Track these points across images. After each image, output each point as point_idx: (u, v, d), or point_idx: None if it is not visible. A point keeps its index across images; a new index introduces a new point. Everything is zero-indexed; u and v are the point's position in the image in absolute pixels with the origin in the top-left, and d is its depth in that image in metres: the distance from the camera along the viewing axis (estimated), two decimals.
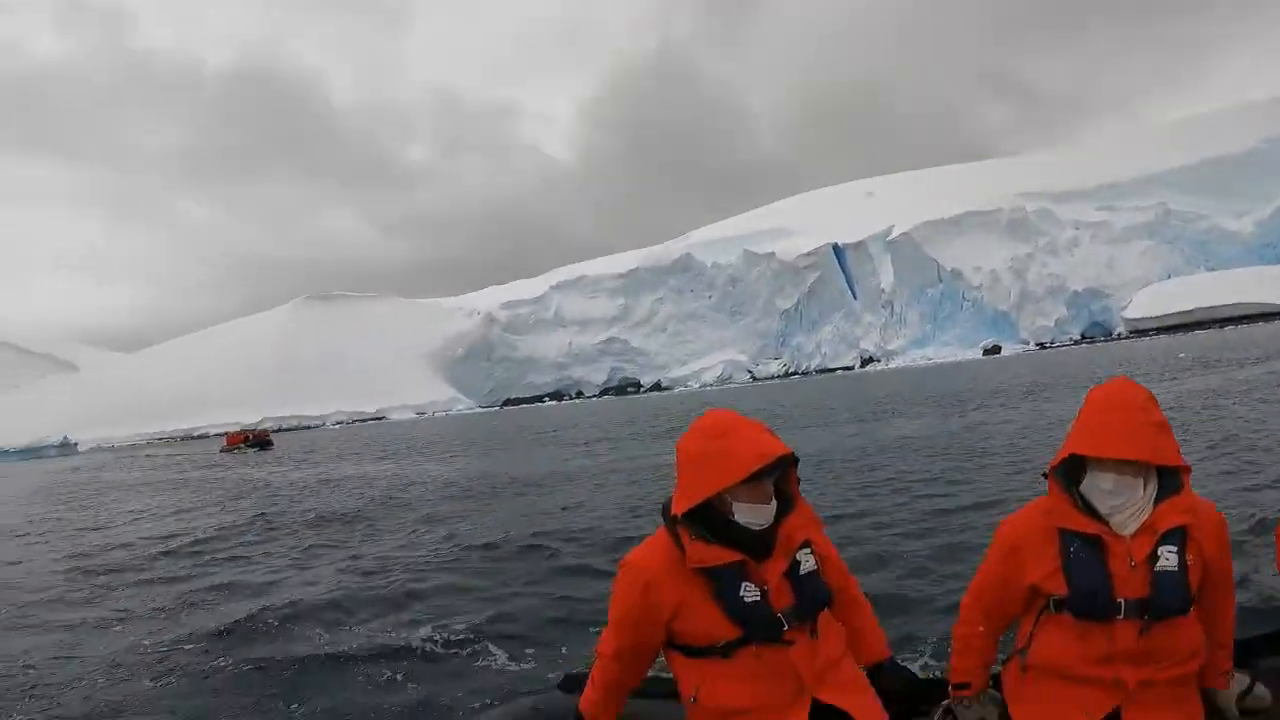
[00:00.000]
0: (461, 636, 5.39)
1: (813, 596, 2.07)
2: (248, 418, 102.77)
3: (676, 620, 2.05)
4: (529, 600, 6.30)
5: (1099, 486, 2.06)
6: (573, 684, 2.73)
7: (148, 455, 56.48)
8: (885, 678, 2.21)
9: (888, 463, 12.62)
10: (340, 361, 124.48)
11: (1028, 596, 2.13)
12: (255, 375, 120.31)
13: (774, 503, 2.09)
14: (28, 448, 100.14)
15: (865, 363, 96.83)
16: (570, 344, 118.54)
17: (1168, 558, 2.00)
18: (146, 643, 5.90)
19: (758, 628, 2.00)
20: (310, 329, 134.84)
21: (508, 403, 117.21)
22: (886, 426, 20.34)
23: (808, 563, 2.10)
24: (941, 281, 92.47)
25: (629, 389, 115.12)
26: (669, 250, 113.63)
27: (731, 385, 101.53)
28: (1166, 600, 1.98)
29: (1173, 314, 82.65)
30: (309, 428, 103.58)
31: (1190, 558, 2.02)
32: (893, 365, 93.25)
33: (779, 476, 2.11)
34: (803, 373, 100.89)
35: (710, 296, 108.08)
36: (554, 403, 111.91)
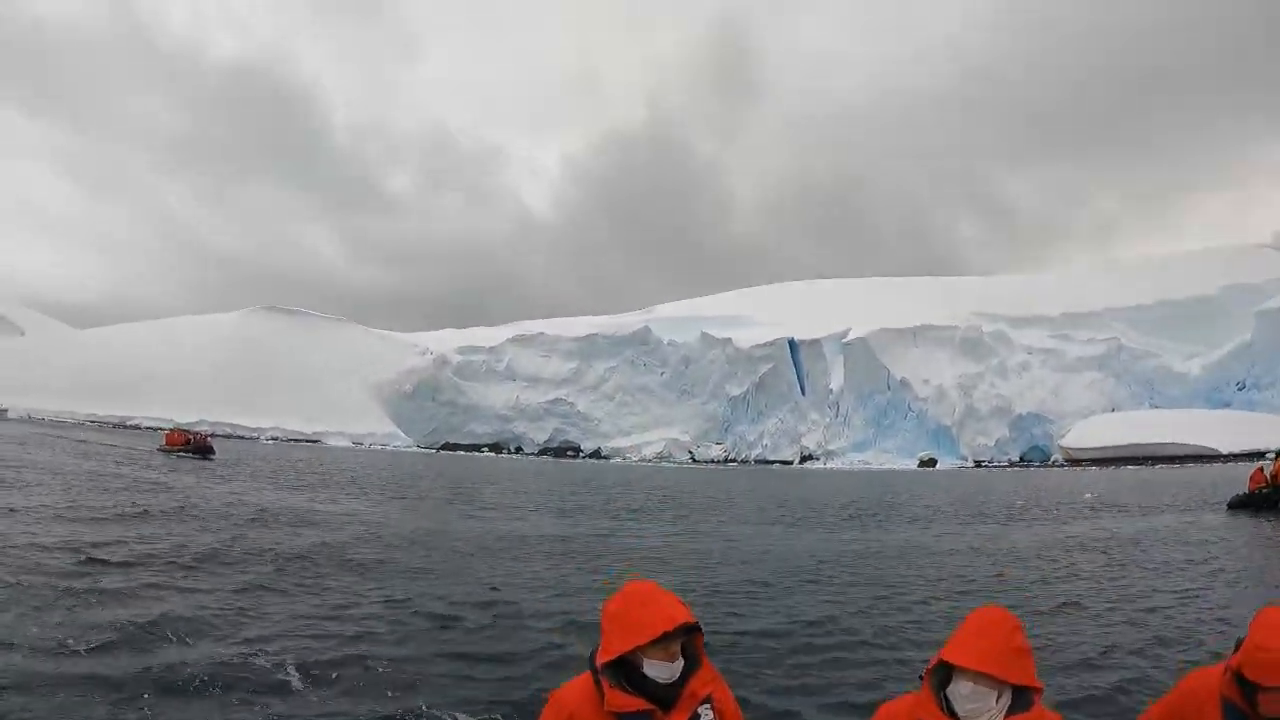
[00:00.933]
0: None
1: None
2: (184, 417, 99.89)
3: None
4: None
5: (960, 692, 2.50)
6: None
7: (80, 440, 52.85)
8: None
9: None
10: (286, 377, 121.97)
11: None
12: (201, 375, 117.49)
13: (681, 661, 2.57)
14: None
15: (804, 459, 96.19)
16: (518, 398, 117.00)
17: None
18: None
19: None
20: (264, 339, 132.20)
21: (445, 447, 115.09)
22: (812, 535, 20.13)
23: (707, 716, 2.57)
24: (890, 389, 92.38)
25: (569, 452, 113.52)
26: (628, 321, 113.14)
27: (669, 464, 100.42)
28: None
29: (1107, 446, 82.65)
30: (243, 438, 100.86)
31: None
32: (831, 465, 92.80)
33: (687, 639, 2.59)
34: (742, 461, 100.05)
35: (662, 373, 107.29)
36: (492, 454, 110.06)
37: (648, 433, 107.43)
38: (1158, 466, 72.48)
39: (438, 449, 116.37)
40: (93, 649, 6.75)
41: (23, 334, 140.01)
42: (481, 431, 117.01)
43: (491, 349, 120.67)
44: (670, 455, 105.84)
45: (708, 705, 2.54)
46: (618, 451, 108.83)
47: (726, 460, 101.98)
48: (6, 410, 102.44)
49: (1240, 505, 25.08)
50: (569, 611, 9.23)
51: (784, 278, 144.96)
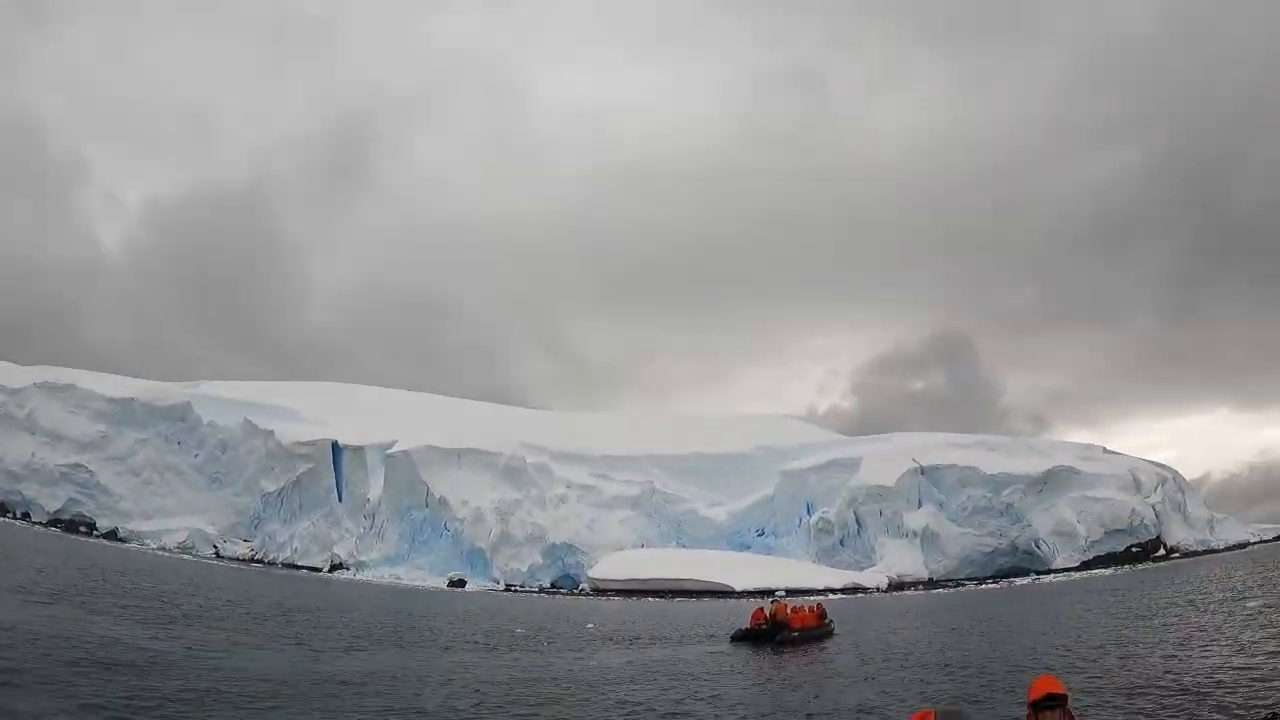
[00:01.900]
0: None
1: None
2: None
3: None
4: None
5: None
6: None
7: None
8: None
9: None
10: None
11: None
12: None
13: None
14: None
15: (334, 567, 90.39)
16: (34, 455, 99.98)
17: None
18: None
19: None
20: None
21: None
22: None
23: None
24: (428, 507, 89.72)
25: (82, 527, 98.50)
26: (172, 391, 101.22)
27: (196, 556, 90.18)
28: None
29: (631, 579, 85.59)
30: None
31: None
32: (361, 576, 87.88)
33: None
34: (269, 562, 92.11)
35: (197, 455, 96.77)
36: None
37: (173, 518, 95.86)
38: (676, 600, 75.40)
39: None
40: None
41: None
42: None
43: (15, 391, 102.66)
44: (194, 547, 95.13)
45: None
46: (137, 535, 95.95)
47: (253, 560, 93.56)
48: None
49: (741, 638, 28.01)
50: None
51: (346, 379, 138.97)
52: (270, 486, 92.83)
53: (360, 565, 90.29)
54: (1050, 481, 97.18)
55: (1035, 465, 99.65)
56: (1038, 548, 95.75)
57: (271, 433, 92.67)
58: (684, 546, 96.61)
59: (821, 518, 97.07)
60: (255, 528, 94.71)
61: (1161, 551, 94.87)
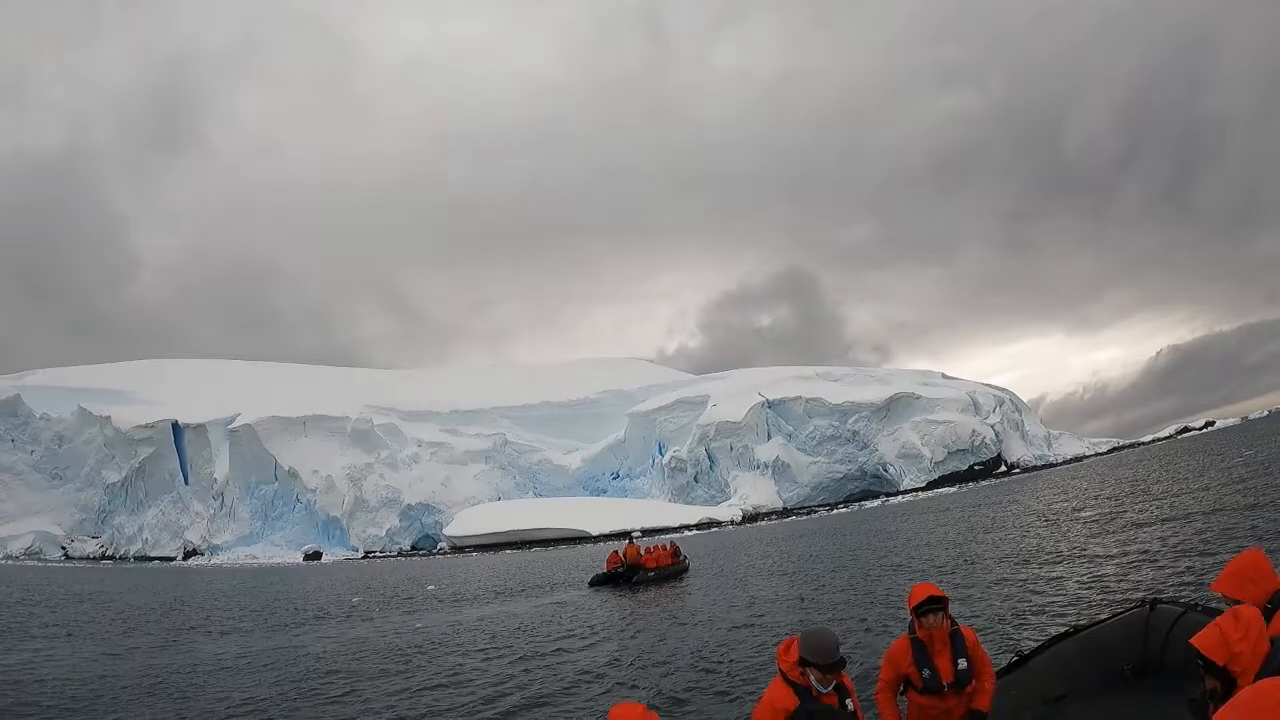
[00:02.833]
0: None
1: None
2: None
3: None
4: None
5: None
6: None
7: None
8: None
9: None
10: None
11: None
12: None
13: None
14: None
15: (189, 554, 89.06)
16: None
17: None
18: None
19: None
20: None
21: None
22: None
23: None
24: (277, 480, 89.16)
25: None
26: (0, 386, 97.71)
27: (42, 560, 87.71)
28: None
29: (488, 533, 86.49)
30: None
31: None
32: (216, 560, 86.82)
33: None
34: (121, 557, 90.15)
35: (33, 452, 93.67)
36: None
37: (12, 523, 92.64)
38: (533, 549, 76.71)
39: None
40: None
41: None
42: None
43: None
44: (41, 551, 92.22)
45: None
46: None
47: (104, 557, 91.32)
48: None
49: (599, 582, 28.78)
50: None
51: (182, 354, 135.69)
52: (113, 476, 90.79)
53: (214, 549, 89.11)
54: (893, 408, 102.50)
55: (878, 393, 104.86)
56: (885, 471, 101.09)
57: (108, 418, 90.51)
58: (540, 496, 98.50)
59: (674, 457, 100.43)
60: (102, 522, 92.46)
61: (1003, 468, 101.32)
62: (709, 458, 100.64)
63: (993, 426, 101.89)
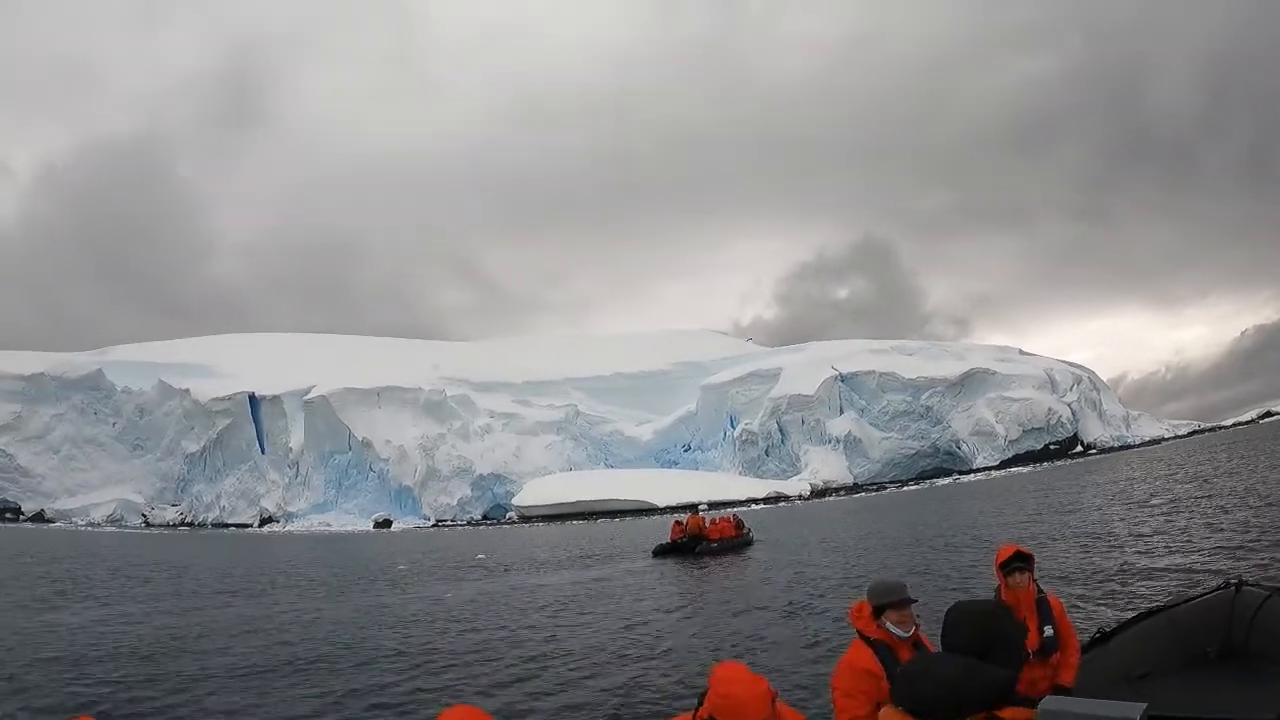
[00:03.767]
0: None
1: None
2: None
3: None
4: None
5: None
6: None
7: None
8: None
9: None
10: None
11: None
12: None
13: None
14: None
15: (264, 522, 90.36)
16: None
17: None
18: None
19: None
20: None
21: None
22: None
23: None
24: (351, 450, 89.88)
25: (7, 515, 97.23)
26: (81, 362, 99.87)
27: (123, 528, 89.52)
28: None
29: (555, 504, 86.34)
30: None
31: None
32: (291, 528, 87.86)
33: None
34: (199, 524, 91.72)
35: (115, 424, 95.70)
36: None
37: (97, 492, 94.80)
38: (599, 520, 76.28)
39: None
40: None
41: None
42: None
43: None
44: (123, 519, 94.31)
45: None
46: (65, 514, 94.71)
47: (183, 524, 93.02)
48: None
49: (663, 553, 28.82)
50: None
51: (258, 329, 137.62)
52: (192, 447, 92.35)
53: (289, 516, 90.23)
54: (968, 384, 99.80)
55: (952, 369, 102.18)
56: (958, 448, 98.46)
57: (187, 391, 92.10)
58: (611, 468, 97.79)
59: (745, 429, 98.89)
60: (181, 491, 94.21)
61: (1079, 448, 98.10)
62: (780, 431, 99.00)
63: (1069, 405, 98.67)
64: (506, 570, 28.65)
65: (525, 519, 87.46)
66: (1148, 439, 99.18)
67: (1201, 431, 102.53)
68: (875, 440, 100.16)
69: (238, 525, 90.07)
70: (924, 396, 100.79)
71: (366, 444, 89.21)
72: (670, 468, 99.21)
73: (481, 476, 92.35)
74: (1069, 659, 5.40)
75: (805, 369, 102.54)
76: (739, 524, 31.76)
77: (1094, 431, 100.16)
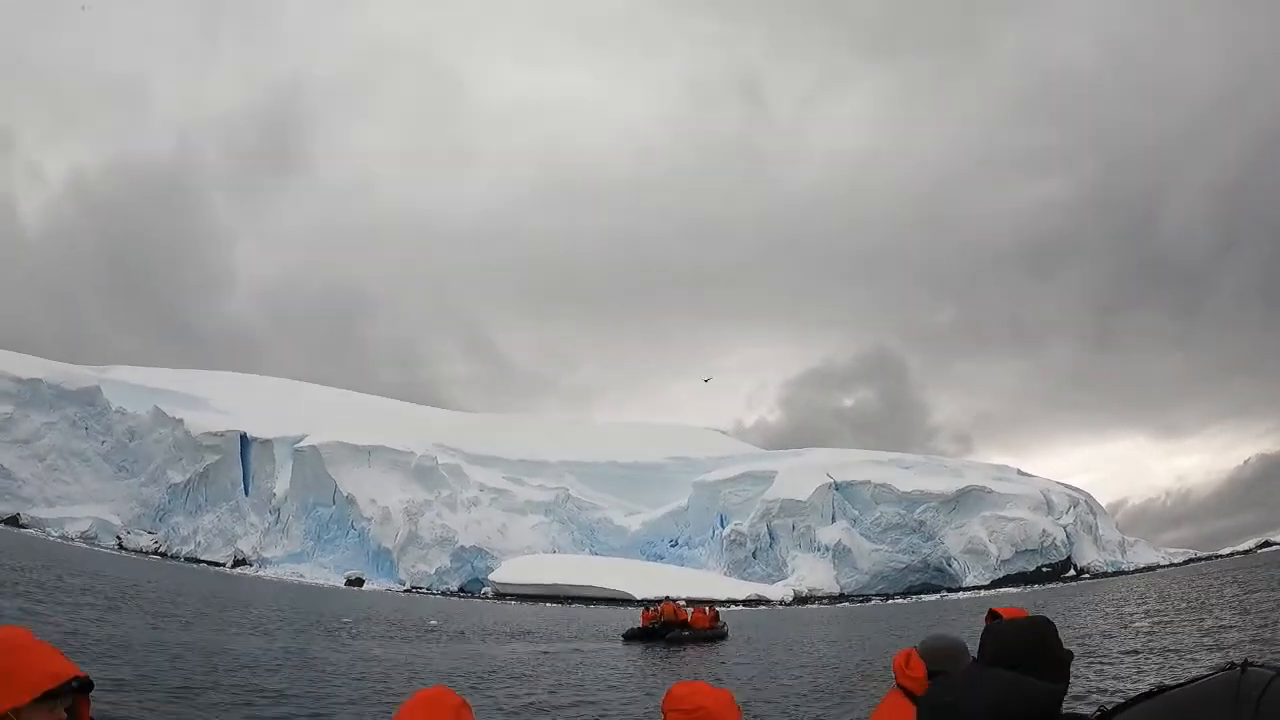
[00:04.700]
0: None
1: None
2: None
3: None
4: None
5: None
6: None
7: None
8: None
9: None
10: None
11: None
12: None
13: None
14: None
15: (238, 563, 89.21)
16: None
17: None
18: None
19: None
20: None
21: None
22: None
23: None
24: (335, 504, 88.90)
25: None
26: (80, 375, 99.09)
27: (96, 546, 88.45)
28: None
29: (531, 584, 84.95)
30: None
31: None
32: (263, 573, 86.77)
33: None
34: (173, 555, 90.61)
35: (104, 442, 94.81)
36: None
37: (75, 506, 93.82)
38: (574, 605, 75.14)
39: None
40: None
41: None
42: None
43: None
44: (97, 537, 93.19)
45: None
46: (41, 522, 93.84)
47: (156, 552, 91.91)
48: None
49: (634, 636, 29.20)
50: None
51: (262, 370, 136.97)
52: (177, 477, 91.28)
53: (264, 561, 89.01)
54: (963, 501, 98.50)
55: (949, 484, 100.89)
56: (949, 565, 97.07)
57: (181, 422, 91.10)
58: (596, 554, 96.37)
59: (734, 530, 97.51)
60: (160, 519, 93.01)
61: (1072, 572, 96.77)
62: (770, 534, 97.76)
63: (1065, 528, 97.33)
64: (456, 635, 29.00)
65: (500, 595, 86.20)
66: (1142, 565, 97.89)
67: (1198, 560, 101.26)
68: (865, 551, 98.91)
69: (210, 562, 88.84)
70: (918, 510, 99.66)
71: (351, 500, 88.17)
72: (656, 561, 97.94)
73: (463, 548, 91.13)
74: None
75: (801, 474, 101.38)
76: (715, 616, 31.71)
77: (1088, 555, 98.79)
